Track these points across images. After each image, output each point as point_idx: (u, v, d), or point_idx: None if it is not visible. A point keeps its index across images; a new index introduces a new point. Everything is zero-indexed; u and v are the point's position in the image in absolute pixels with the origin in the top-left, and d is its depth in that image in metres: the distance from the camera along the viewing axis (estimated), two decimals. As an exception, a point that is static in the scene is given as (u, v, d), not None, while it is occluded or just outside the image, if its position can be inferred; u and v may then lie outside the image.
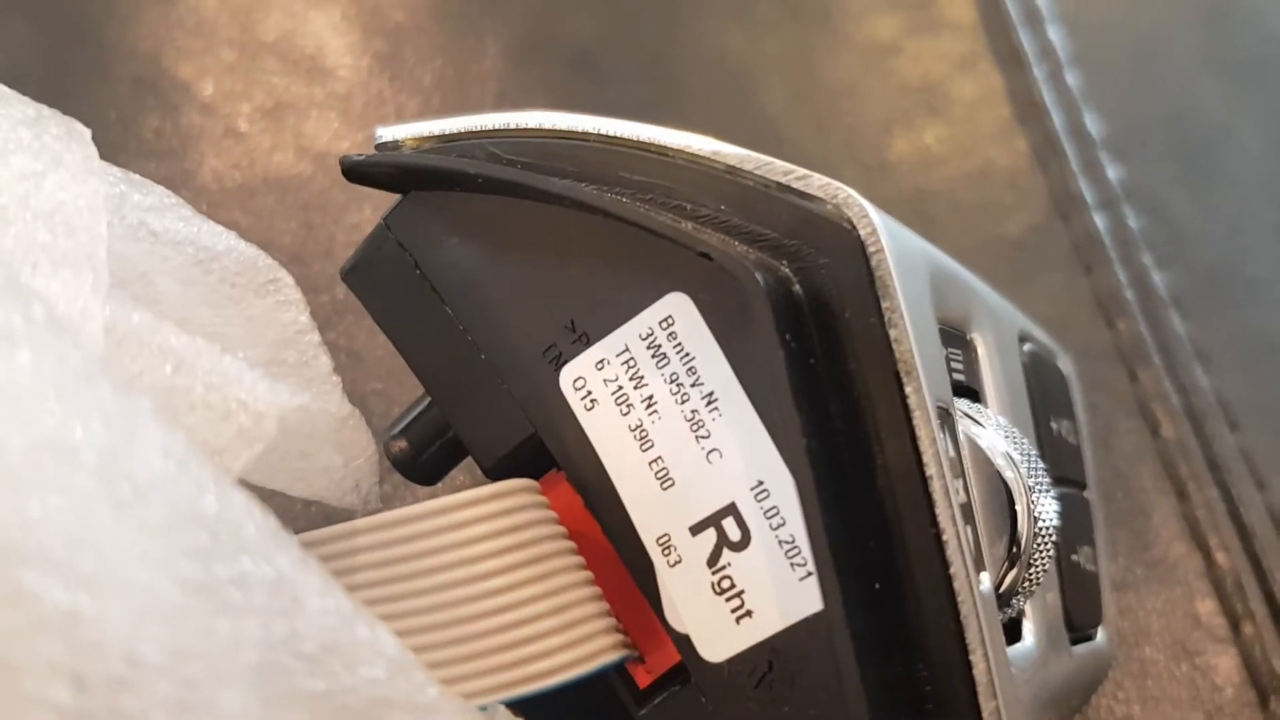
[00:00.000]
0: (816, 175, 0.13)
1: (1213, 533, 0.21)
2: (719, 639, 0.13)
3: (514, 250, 0.14)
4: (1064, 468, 0.17)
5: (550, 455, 0.14)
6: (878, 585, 0.12)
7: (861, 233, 0.12)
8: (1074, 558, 0.16)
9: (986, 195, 0.25)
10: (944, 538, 0.12)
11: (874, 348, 0.12)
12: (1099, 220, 0.25)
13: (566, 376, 0.14)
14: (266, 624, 0.08)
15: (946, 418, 0.13)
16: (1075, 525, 0.17)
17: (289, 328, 0.13)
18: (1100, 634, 0.17)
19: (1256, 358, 0.24)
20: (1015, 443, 0.14)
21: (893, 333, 0.12)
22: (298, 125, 0.24)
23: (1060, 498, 0.16)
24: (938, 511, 0.12)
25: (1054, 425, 0.17)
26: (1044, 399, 0.17)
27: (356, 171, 0.14)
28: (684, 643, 0.13)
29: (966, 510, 0.13)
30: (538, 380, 0.14)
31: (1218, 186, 0.26)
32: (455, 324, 0.14)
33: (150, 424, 0.08)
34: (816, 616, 0.12)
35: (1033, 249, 0.25)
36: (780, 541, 0.13)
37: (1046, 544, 0.14)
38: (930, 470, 0.12)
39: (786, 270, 0.13)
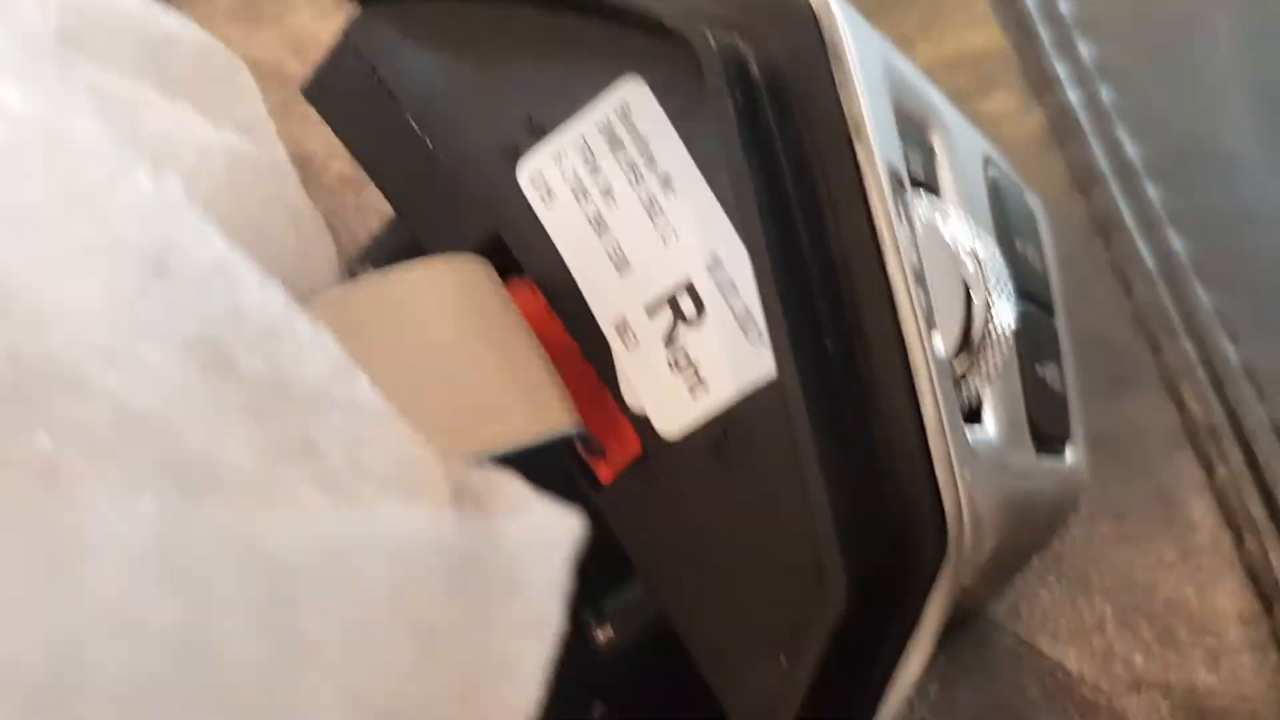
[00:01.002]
0: None
1: (1186, 381, 0.21)
2: (675, 414, 0.13)
3: (469, 51, 0.14)
4: (1029, 286, 0.17)
5: (513, 260, 0.14)
6: (831, 347, 0.12)
7: (814, 5, 0.13)
8: (1038, 371, 0.16)
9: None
10: (894, 290, 0.12)
11: (826, 112, 0.12)
12: (1073, 96, 0.25)
13: (524, 172, 0.14)
14: (204, 296, 0.08)
15: (900, 187, 0.13)
16: (1040, 341, 0.17)
17: (244, 118, 0.13)
18: (1069, 455, 0.17)
19: (1226, 223, 0.24)
20: (979, 239, 0.14)
21: (843, 94, 0.12)
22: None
23: (1024, 312, 0.16)
24: (888, 265, 0.12)
25: (1019, 246, 0.17)
26: (1008, 220, 0.17)
27: None
28: (642, 424, 0.13)
29: (919, 275, 0.13)
30: (496, 179, 0.14)
31: (1188, 67, 0.26)
32: (414, 130, 0.15)
33: (87, 101, 0.08)
34: (770, 383, 0.13)
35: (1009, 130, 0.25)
36: (734, 313, 0.13)
37: (1001, 337, 0.14)
38: (881, 227, 0.12)
39: (741, 44, 0.13)
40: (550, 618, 0.09)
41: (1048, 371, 0.17)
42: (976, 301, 0.14)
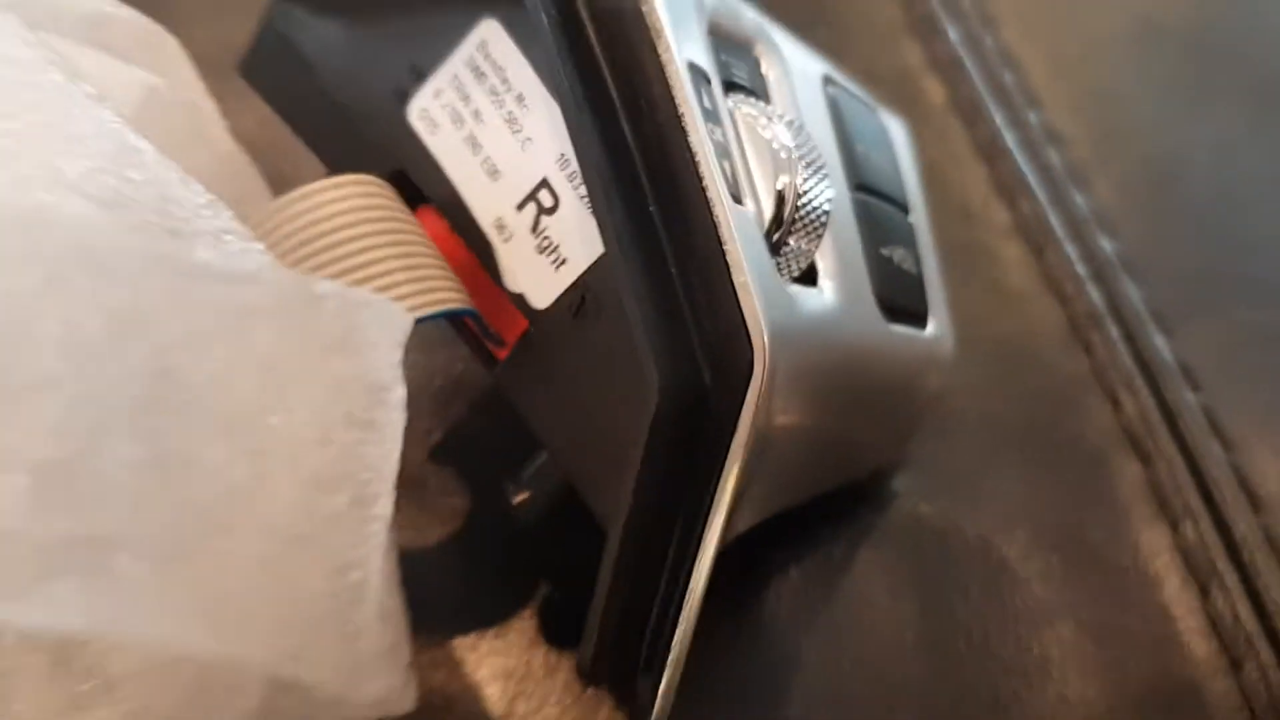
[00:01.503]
0: None
1: (1094, 330, 0.24)
2: (544, 288, 0.16)
3: (361, 18, 0.17)
4: (871, 181, 0.19)
5: (417, 190, 0.17)
6: (655, 213, 0.15)
7: None
8: (883, 252, 0.19)
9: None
10: (697, 157, 0.15)
11: (636, 26, 0.15)
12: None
13: (412, 110, 0.17)
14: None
15: (704, 80, 0.16)
16: (886, 228, 0.19)
17: (167, 69, 0.16)
18: (931, 327, 0.20)
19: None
20: (796, 133, 0.17)
21: (645, 9, 0.15)
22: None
23: (863, 201, 0.19)
24: (690, 138, 0.15)
25: (860, 148, 0.19)
26: (845, 126, 0.19)
27: None
28: (520, 300, 0.16)
29: (723, 149, 0.15)
30: (392, 121, 0.17)
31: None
32: (325, 90, 0.18)
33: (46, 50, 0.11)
34: (603, 255, 0.15)
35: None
36: (580, 199, 0.16)
37: (815, 214, 0.16)
38: (682, 109, 0.15)
39: None
40: (391, 382, 0.12)
41: (895, 253, 0.19)
42: (785, 181, 0.16)
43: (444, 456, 0.19)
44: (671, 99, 0.15)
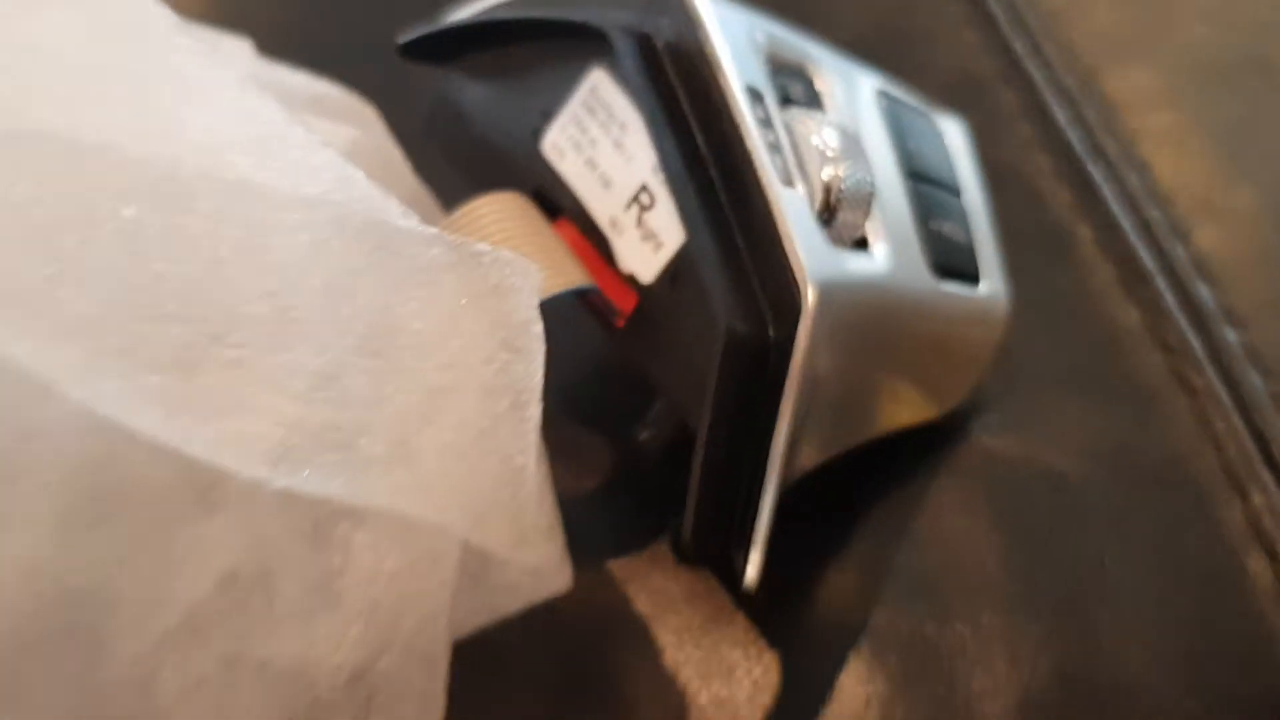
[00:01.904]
0: None
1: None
2: (648, 267, 0.21)
3: (504, 78, 0.23)
4: (925, 169, 0.24)
5: (553, 205, 0.22)
6: (725, 201, 0.20)
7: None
8: (933, 225, 0.23)
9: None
10: (753, 156, 0.20)
11: (702, 59, 0.20)
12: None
13: (545, 143, 0.22)
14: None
15: (758, 98, 0.20)
16: (937, 207, 0.24)
17: (364, 125, 0.21)
18: (984, 286, 0.24)
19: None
20: (842, 135, 0.22)
21: (706, 47, 0.20)
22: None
23: (914, 186, 0.23)
24: (747, 141, 0.20)
25: (911, 143, 0.24)
26: (899, 127, 0.24)
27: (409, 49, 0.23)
28: (631, 279, 0.21)
29: (774, 147, 0.20)
30: (530, 152, 0.22)
31: None
32: (479, 134, 0.23)
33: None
34: (687, 240, 0.20)
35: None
36: (670, 196, 0.21)
37: (856, 195, 0.21)
38: (739, 119, 0.20)
39: (647, 29, 0.21)
40: (531, 318, 0.17)
41: (944, 226, 0.24)
42: (830, 172, 0.21)
43: (581, 412, 0.24)
44: (731, 112, 0.20)
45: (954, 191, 0.25)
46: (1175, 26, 0.31)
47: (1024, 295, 0.26)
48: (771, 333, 0.19)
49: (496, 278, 0.17)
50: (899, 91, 0.25)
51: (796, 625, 0.23)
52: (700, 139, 0.20)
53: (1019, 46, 0.31)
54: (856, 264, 0.21)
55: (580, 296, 0.22)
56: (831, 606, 0.23)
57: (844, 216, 0.21)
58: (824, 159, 0.21)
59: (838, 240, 0.21)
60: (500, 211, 0.21)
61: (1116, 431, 0.25)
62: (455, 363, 0.16)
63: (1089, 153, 0.29)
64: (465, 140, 0.24)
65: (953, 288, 0.23)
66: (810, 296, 0.19)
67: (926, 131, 0.25)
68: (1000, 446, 0.25)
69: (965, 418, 0.25)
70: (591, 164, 0.22)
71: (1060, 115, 0.29)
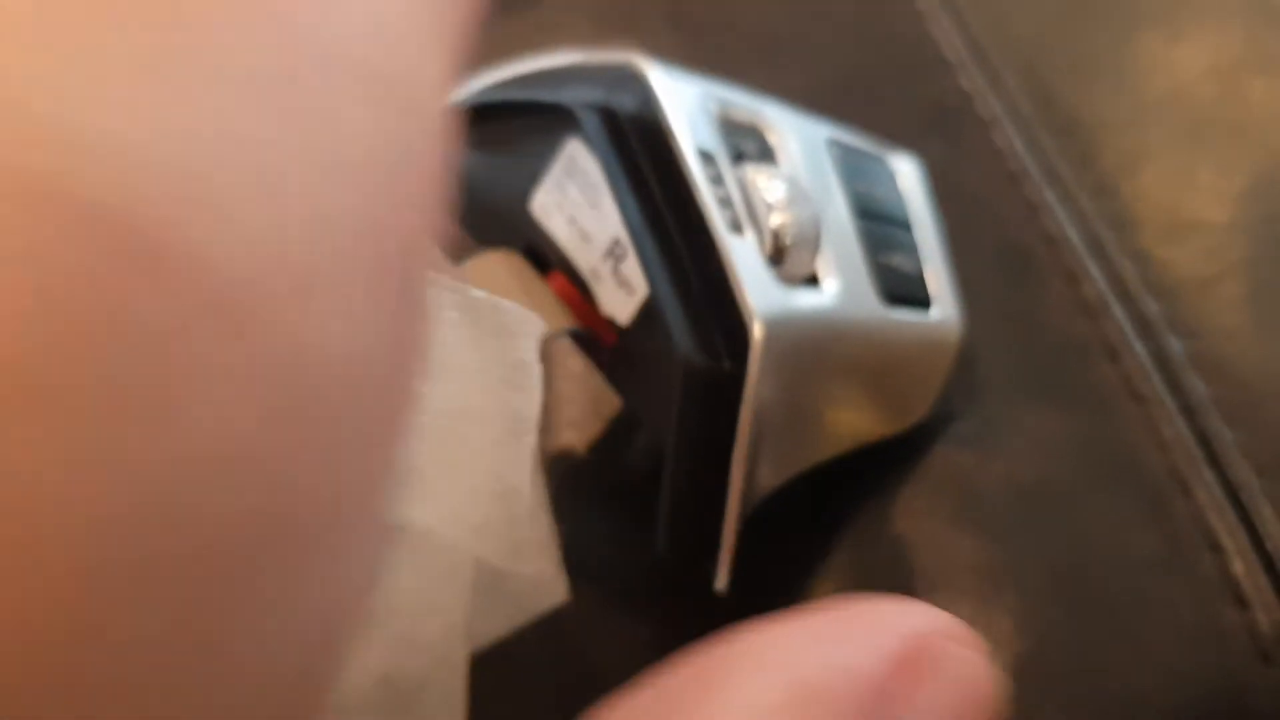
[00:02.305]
0: (629, 53, 0.24)
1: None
2: (624, 311, 0.24)
3: (497, 150, 0.26)
4: (875, 208, 0.27)
5: (544, 258, 0.26)
6: (683, 249, 0.23)
7: (640, 75, 0.24)
8: (882, 258, 0.26)
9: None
10: (703, 207, 0.23)
11: (657, 127, 0.23)
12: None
13: (533, 204, 0.26)
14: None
15: (708, 158, 0.23)
16: (886, 241, 0.26)
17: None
18: (935, 312, 0.27)
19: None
20: (791, 186, 0.24)
21: (659, 115, 0.23)
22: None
23: (863, 223, 0.26)
24: (696, 195, 0.23)
25: (860, 185, 0.27)
26: (850, 172, 0.27)
27: None
28: (611, 322, 0.24)
29: (724, 200, 0.23)
30: (523, 213, 0.26)
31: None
32: (481, 199, 0.26)
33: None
34: (649, 287, 0.23)
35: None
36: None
37: (802, 239, 0.24)
38: (689, 175, 0.23)
39: (610, 104, 0.24)
40: (529, 360, 0.21)
41: (894, 259, 0.26)
42: (776, 219, 0.24)
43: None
44: (684, 173, 0.23)
45: (904, 226, 0.27)
46: (1138, 48, 0.33)
47: (985, 312, 0.28)
48: (726, 365, 0.22)
49: (498, 323, 0.20)
50: (850, 138, 0.28)
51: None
52: (659, 197, 0.23)
53: (981, 80, 0.33)
54: (804, 299, 0.24)
55: (575, 336, 0.25)
56: (798, 598, 0.26)
57: (792, 257, 0.24)
58: (771, 208, 0.24)
59: (788, 279, 0.24)
60: (498, 267, 0.24)
61: (1071, 438, 0.28)
62: (460, 394, 0.20)
63: (1045, 177, 0.31)
64: (464, 201, 0.27)
65: (903, 314, 0.26)
66: (757, 330, 0.22)
67: (876, 172, 0.28)
68: (965, 456, 0.28)
69: (933, 430, 0.28)
70: (573, 221, 0.25)
71: (1018, 142, 0.32)
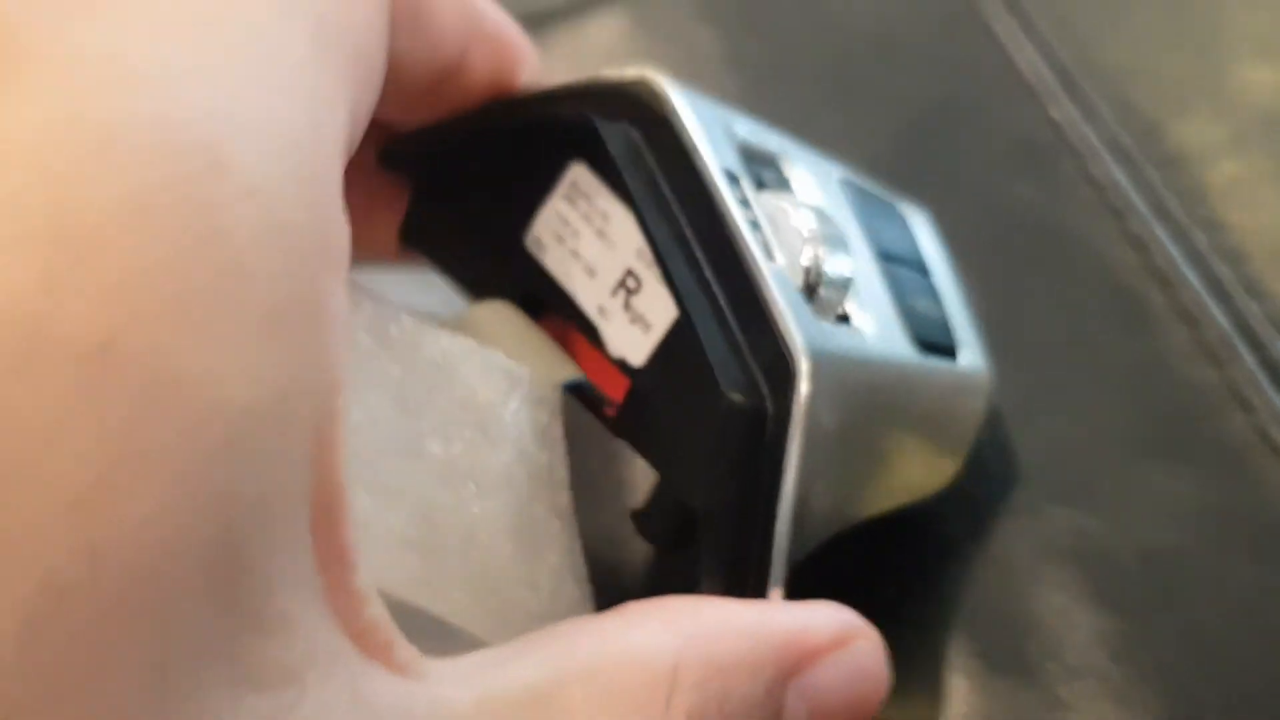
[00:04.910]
0: (643, 69, 0.22)
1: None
2: (639, 349, 0.21)
3: (484, 182, 0.23)
4: (894, 250, 0.24)
5: (538, 300, 0.23)
6: (712, 279, 0.20)
7: (660, 97, 0.21)
8: (909, 301, 0.24)
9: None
10: (735, 236, 0.20)
11: (681, 150, 0.21)
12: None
13: (528, 239, 0.23)
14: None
15: (734, 180, 0.21)
16: (910, 285, 0.24)
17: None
18: (963, 359, 0.24)
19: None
20: (821, 218, 0.22)
21: (683, 138, 0.21)
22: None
23: (885, 266, 0.24)
24: (728, 223, 0.20)
25: (877, 225, 0.25)
26: (866, 213, 0.24)
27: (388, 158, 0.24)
28: (622, 364, 0.21)
29: (754, 223, 0.21)
30: (515, 249, 0.23)
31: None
32: (466, 239, 0.24)
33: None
34: (678, 318, 0.21)
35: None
36: (656, 279, 0.21)
37: (836, 275, 0.21)
38: (719, 201, 0.20)
39: (628, 126, 0.21)
40: (497, 402, 0.18)
41: (919, 303, 0.24)
42: (809, 251, 0.21)
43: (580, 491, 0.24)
44: (711, 193, 0.20)
45: (922, 270, 0.25)
46: (1234, 72, 0.30)
47: (1100, 362, 0.25)
48: (770, 405, 0.20)
49: (486, 385, 0.18)
50: (862, 181, 0.26)
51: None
52: (683, 220, 0.21)
53: (1074, 110, 0.30)
54: (845, 336, 0.21)
55: (572, 391, 0.22)
56: (917, 690, 0.23)
57: (824, 294, 0.21)
58: (803, 239, 0.21)
59: (821, 315, 0.21)
60: (488, 320, 0.22)
61: (1205, 497, 0.25)
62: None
63: (1152, 212, 0.28)
64: (447, 244, 0.24)
65: (933, 359, 0.24)
66: (804, 365, 0.19)
67: (889, 215, 0.26)
68: (1092, 522, 0.25)
69: (1054, 492, 0.25)
70: (575, 254, 0.22)
71: (1121, 176, 0.29)
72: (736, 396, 0.19)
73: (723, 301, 0.20)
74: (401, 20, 0.19)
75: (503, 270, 0.23)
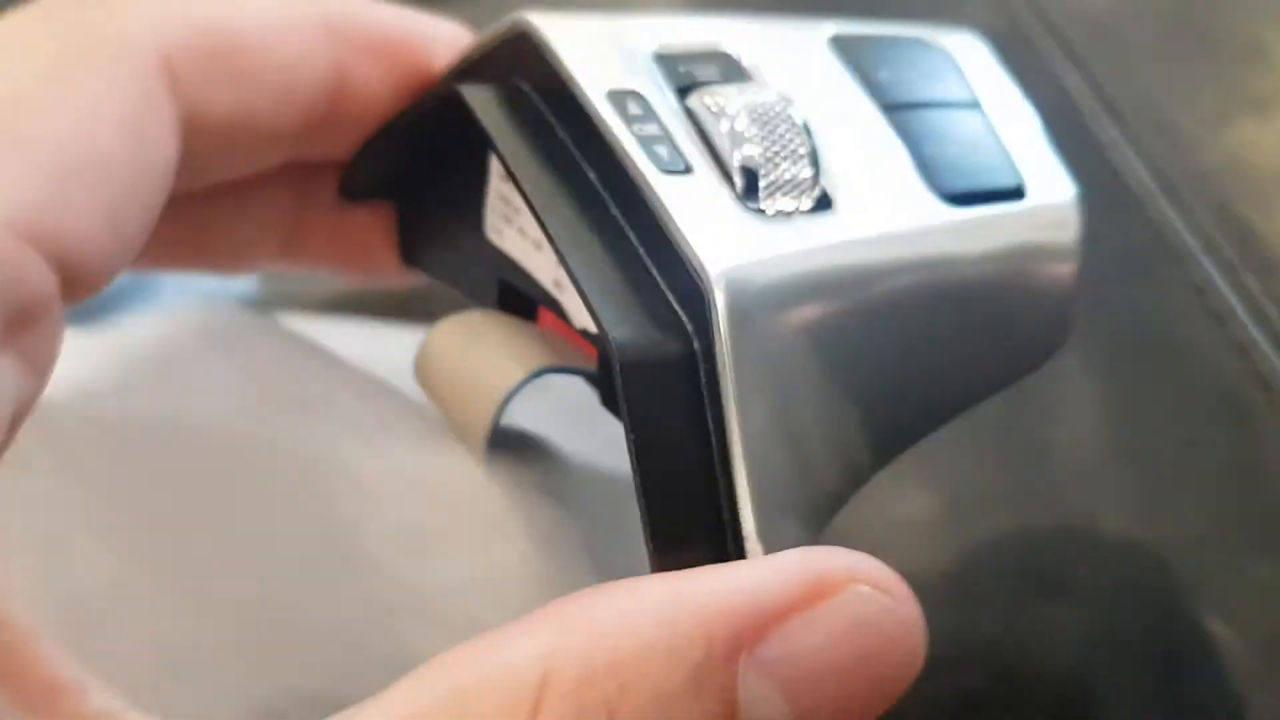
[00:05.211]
0: (517, 15, 0.19)
1: None
2: (587, 315, 0.19)
3: (433, 178, 0.22)
4: (908, 96, 0.20)
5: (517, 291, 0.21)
6: (615, 210, 0.17)
7: (534, 31, 0.19)
8: (932, 149, 0.19)
9: None
10: (624, 155, 0.17)
11: (555, 80, 0.18)
12: None
13: (487, 228, 0.21)
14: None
15: (632, 97, 0.18)
16: (936, 129, 0.20)
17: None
18: (1033, 197, 0.20)
19: None
20: (761, 104, 0.18)
21: (559, 69, 0.18)
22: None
23: (899, 118, 0.20)
24: (615, 143, 0.17)
25: (883, 75, 0.20)
26: (865, 65, 0.20)
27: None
28: (584, 333, 0.19)
29: (655, 139, 0.17)
30: (481, 242, 0.21)
31: None
32: (440, 241, 0.22)
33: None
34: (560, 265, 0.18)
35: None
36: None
37: (787, 149, 0.18)
38: (603, 124, 0.17)
39: (521, 84, 0.19)
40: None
41: (948, 148, 0.20)
42: (748, 147, 0.18)
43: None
44: (593, 120, 0.18)
45: (964, 105, 0.21)
46: None
47: (1204, 461, 0.25)
48: (695, 342, 0.16)
49: None
50: (869, 28, 0.21)
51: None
52: (585, 162, 0.18)
53: (1171, 213, 0.27)
54: (797, 233, 0.18)
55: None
56: None
57: (781, 186, 0.18)
58: (739, 135, 0.18)
59: (778, 212, 0.18)
60: (457, 334, 0.20)
61: None
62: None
63: (1251, 316, 0.26)
64: (436, 254, 0.23)
65: (979, 212, 0.19)
66: (716, 289, 0.16)
67: (908, 57, 0.21)
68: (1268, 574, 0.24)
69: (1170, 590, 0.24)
70: (522, 232, 0.20)
71: (1219, 278, 0.26)
72: (621, 335, 0.16)
73: (633, 237, 0.17)
74: (219, 80, 0.18)
75: (481, 267, 0.21)
